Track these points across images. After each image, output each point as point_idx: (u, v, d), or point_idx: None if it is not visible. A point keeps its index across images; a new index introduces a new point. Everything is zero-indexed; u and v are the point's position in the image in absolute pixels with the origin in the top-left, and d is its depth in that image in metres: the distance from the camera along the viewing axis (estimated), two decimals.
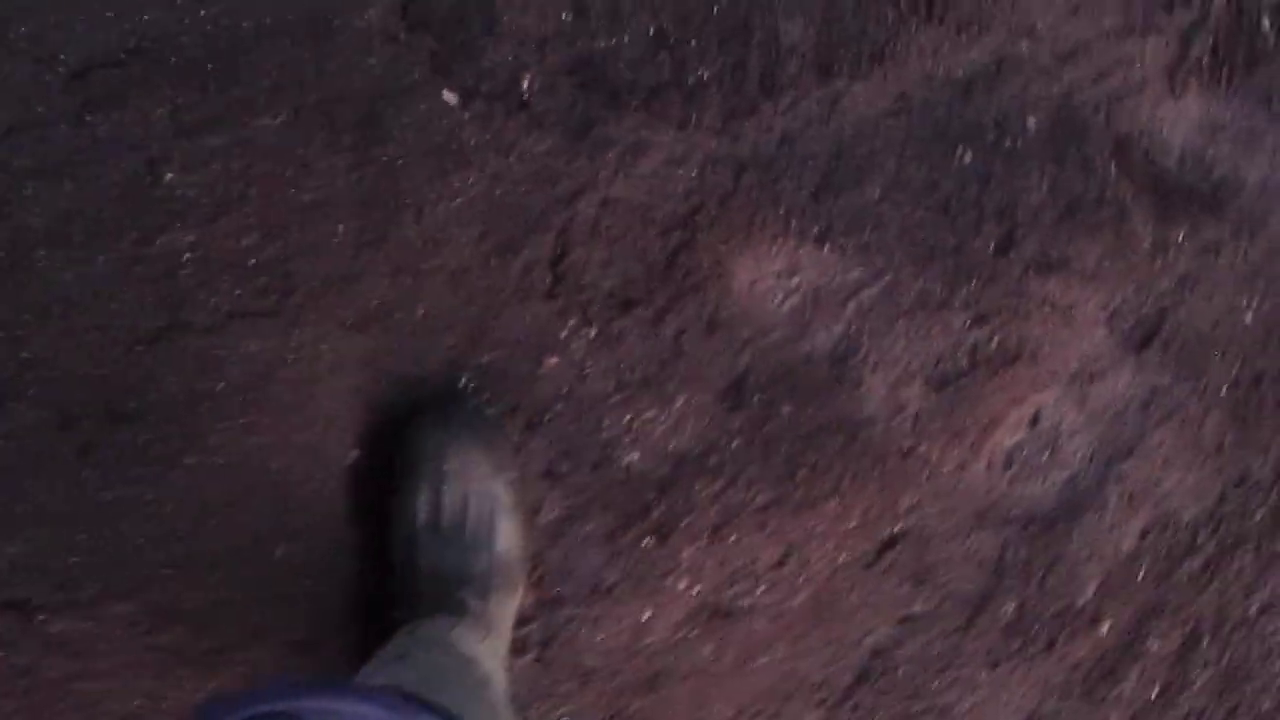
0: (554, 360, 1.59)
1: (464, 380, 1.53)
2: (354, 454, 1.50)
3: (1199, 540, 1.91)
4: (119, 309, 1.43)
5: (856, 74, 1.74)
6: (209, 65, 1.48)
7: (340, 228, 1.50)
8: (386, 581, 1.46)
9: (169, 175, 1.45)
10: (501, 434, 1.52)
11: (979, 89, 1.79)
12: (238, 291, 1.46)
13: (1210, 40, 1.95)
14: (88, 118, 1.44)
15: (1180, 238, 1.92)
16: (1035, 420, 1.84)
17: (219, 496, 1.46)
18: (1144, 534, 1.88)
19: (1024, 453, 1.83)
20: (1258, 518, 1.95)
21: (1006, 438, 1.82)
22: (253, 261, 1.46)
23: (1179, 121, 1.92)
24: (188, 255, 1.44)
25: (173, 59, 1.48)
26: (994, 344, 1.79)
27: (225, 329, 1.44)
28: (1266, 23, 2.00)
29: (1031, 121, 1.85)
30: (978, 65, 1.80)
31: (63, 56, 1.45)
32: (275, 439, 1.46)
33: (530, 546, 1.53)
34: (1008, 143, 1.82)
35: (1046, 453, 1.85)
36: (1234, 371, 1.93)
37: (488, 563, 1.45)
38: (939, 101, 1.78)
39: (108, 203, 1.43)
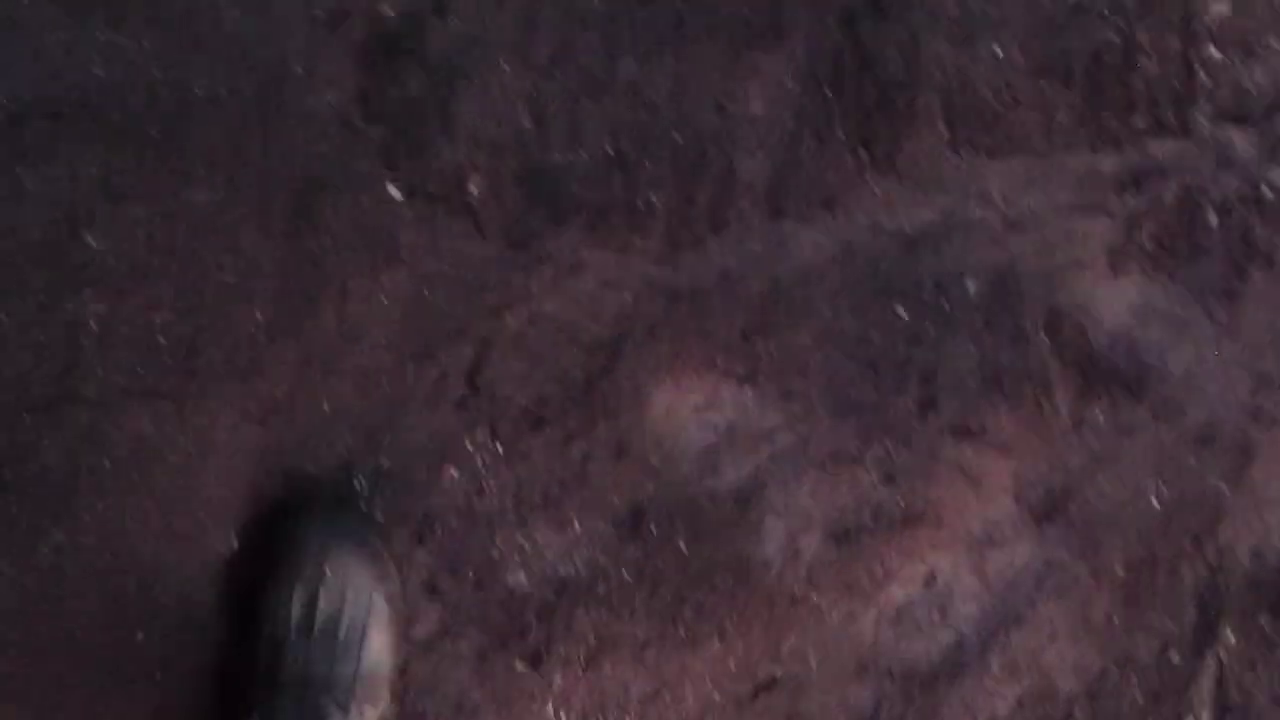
0: (454, 472, 1.50)
1: (357, 483, 1.42)
2: (232, 546, 1.39)
3: (1074, 713, 1.85)
4: (11, 372, 1.34)
5: (805, 217, 1.66)
6: (151, 129, 1.39)
7: (256, 314, 1.40)
8: (247, 680, 1.36)
9: (89, 239, 1.35)
10: (386, 542, 1.42)
11: (925, 247, 1.72)
12: (139, 368, 1.36)
13: (1156, 228, 1.87)
14: (16, 168, 1.33)
15: (1098, 416, 1.85)
16: (930, 580, 1.76)
17: (82, 576, 1.36)
18: (1020, 702, 1.81)
19: (914, 610, 1.75)
20: (1134, 698, 1.89)
21: (899, 593, 1.75)
22: (160, 339, 1.36)
23: (1115, 302, 1.86)
24: (93, 324, 1.34)
25: (116, 116, 1.39)
26: (899, 504, 1.72)
27: (119, 405, 1.35)
28: (1212, 219, 1.93)
29: (971, 285, 1.77)
30: (927, 223, 1.72)
31: (2, 100, 1.33)
32: (152, 523, 1.37)
33: (400, 660, 1.43)
34: (944, 304, 1.75)
35: (936, 613, 1.77)
36: (1131, 554, 1.87)
37: (354, 673, 1.36)
38: (883, 255, 1.71)
39: (21, 259, 1.34)
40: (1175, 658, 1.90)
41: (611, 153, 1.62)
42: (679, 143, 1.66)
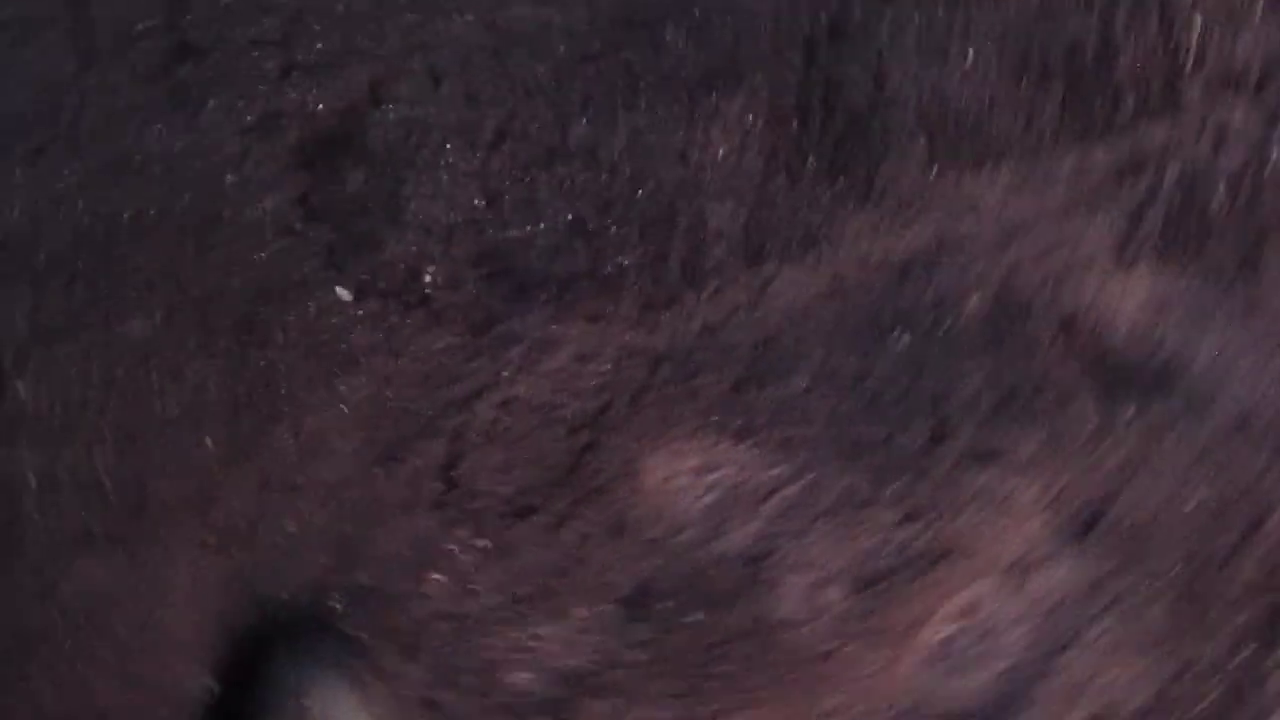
0: (438, 576, 1.32)
1: (334, 603, 1.23)
2: (205, 688, 1.20)
3: None
4: None
5: (787, 258, 1.48)
6: (79, 262, 1.21)
7: (207, 440, 1.24)
8: None
9: (20, 386, 1.18)
10: (373, 662, 1.22)
11: (917, 270, 1.54)
12: (84, 513, 1.19)
13: (1161, 216, 1.65)
14: None
15: (1126, 419, 1.62)
16: (969, 611, 1.54)
17: None
18: None
19: (959, 644, 1.58)
20: (1202, 707, 1.62)
21: (941, 629, 1.58)
22: (104, 481, 1.18)
23: (1127, 298, 1.66)
24: (31, 475, 1.15)
25: (41, 254, 1.22)
26: (924, 541, 1.51)
27: (66, 555, 1.19)
28: (1218, 199, 1.68)
29: (972, 303, 1.58)
30: (916, 245, 1.53)
31: None
32: (111, 675, 1.18)
33: None
34: (945, 326, 1.56)
35: (983, 644, 1.58)
36: (1179, 558, 1.63)
37: None
38: (874, 284, 1.52)
39: None
40: (1247, 652, 1.64)
41: (571, 220, 1.43)
42: (643, 200, 1.48)
